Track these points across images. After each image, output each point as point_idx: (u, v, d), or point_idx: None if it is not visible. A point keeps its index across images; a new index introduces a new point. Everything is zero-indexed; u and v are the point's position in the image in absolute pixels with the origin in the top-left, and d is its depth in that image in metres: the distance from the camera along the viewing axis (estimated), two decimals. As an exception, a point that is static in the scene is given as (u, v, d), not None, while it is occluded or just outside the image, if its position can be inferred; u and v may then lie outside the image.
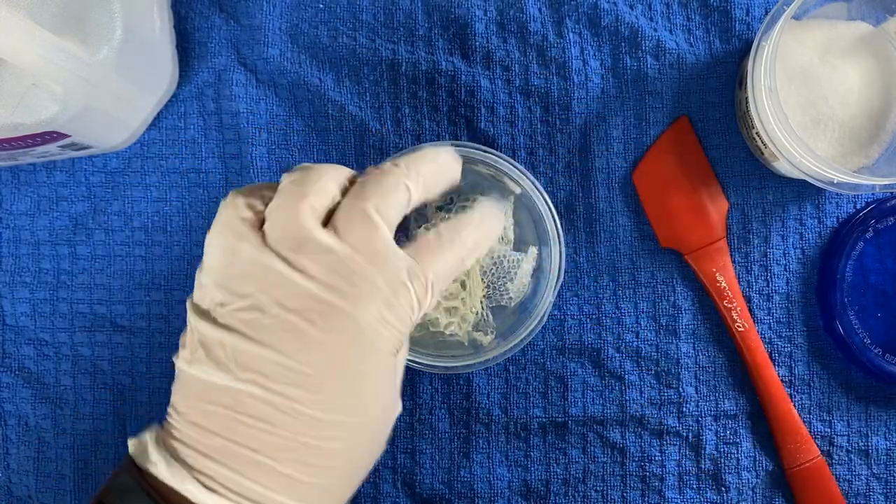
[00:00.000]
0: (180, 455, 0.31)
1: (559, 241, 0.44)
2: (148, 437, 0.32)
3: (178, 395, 0.32)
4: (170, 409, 0.33)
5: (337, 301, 0.31)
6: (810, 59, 0.45)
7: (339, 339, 0.31)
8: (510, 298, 0.46)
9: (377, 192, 0.33)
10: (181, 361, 0.33)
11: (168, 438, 0.32)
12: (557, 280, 0.44)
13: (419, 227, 0.46)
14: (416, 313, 0.33)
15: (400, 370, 0.34)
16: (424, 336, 0.46)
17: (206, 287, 0.33)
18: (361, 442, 0.32)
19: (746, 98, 0.44)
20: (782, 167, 0.46)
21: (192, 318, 0.33)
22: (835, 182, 0.43)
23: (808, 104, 0.45)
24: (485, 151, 0.44)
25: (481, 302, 0.45)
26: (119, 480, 0.31)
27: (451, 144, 0.44)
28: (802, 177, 0.44)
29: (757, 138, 0.46)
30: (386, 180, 0.33)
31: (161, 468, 0.31)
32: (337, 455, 0.31)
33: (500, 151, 0.46)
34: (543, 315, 0.44)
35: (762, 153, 0.47)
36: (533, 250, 0.46)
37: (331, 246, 0.31)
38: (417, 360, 0.44)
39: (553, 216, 0.44)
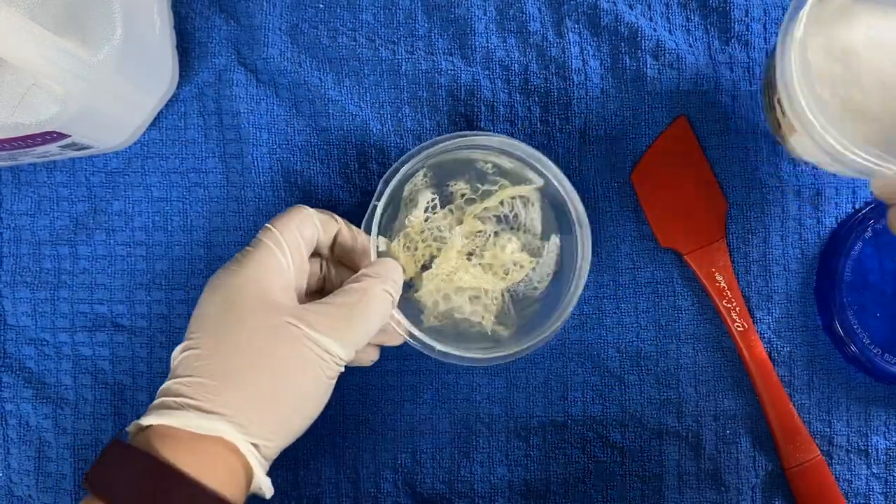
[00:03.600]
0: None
1: (586, 228, 0.45)
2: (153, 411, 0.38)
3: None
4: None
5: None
6: (852, 40, 0.42)
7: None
8: (534, 288, 0.46)
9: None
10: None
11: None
12: (583, 269, 0.44)
13: (445, 208, 0.46)
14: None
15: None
16: (446, 325, 0.46)
17: None
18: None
19: (774, 61, 0.43)
20: (799, 144, 0.44)
21: None
22: (851, 162, 0.40)
23: (841, 85, 0.42)
24: (507, 140, 0.45)
25: (503, 294, 0.46)
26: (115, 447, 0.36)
27: (476, 135, 0.45)
28: (815, 159, 0.42)
29: (777, 107, 0.43)
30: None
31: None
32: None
33: (500, 151, 0.47)
34: (573, 300, 0.44)
35: (780, 127, 0.45)
36: (555, 239, 0.46)
37: None
38: (447, 350, 0.44)
39: (577, 204, 0.45)
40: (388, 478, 0.49)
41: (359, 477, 0.49)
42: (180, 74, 0.49)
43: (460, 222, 0.46)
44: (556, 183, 0.45)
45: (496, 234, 0.46)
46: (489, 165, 0.46)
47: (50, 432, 0.50)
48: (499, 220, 0.47)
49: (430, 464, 0.49)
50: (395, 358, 0.49)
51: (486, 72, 0.49)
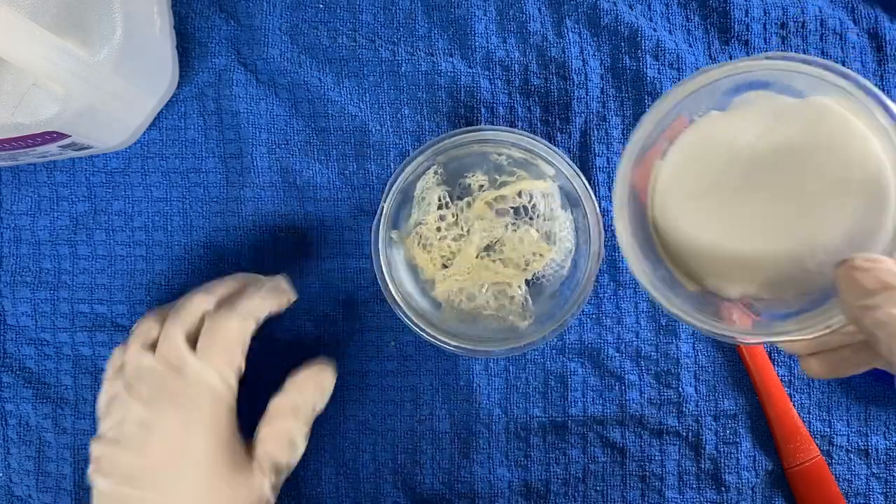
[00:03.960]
0: None
1: (597, 216, 0.45)
2: None
3: None
4: None
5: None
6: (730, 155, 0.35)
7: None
8: (560, 266, 0.46)
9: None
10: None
11: None
12: (594, 258, 0.44)
13: (462, 201, 0.46)
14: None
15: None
16: (466, 320, 0.46)
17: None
18: None
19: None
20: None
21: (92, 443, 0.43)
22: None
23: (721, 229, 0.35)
24: (519, 134, 0.45)
25: (521, 286, 0.46)
26: None
27: (483, 130, 0.45)
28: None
29: None
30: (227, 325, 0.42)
31: None
32: None
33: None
34: (588, 286, 0.44)
35: None
36: (563, 215, 0.46)
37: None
38: (462, 345, 0.44)
39: (588, 194, 0.44)
40: (387, 478, 0.49)
41: (359, 477, 0.49)
42: (180, 74, 0.49)
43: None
44: (565, 173, 0.45)
45: (514, 225, 0.46)
46: (503, 157, 0.46)
47: (50, 432, 0.50)
48: (516, 211, 0.46)
49: (430, 464, 0.49)
50: (396, 358, 0.49)
51: (486, 72, 0.49)
